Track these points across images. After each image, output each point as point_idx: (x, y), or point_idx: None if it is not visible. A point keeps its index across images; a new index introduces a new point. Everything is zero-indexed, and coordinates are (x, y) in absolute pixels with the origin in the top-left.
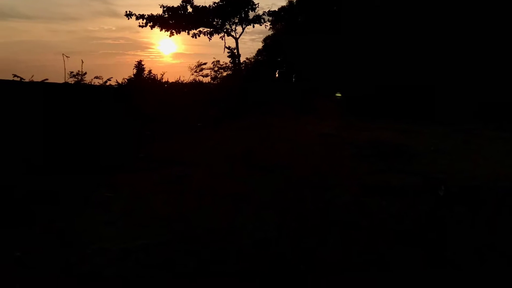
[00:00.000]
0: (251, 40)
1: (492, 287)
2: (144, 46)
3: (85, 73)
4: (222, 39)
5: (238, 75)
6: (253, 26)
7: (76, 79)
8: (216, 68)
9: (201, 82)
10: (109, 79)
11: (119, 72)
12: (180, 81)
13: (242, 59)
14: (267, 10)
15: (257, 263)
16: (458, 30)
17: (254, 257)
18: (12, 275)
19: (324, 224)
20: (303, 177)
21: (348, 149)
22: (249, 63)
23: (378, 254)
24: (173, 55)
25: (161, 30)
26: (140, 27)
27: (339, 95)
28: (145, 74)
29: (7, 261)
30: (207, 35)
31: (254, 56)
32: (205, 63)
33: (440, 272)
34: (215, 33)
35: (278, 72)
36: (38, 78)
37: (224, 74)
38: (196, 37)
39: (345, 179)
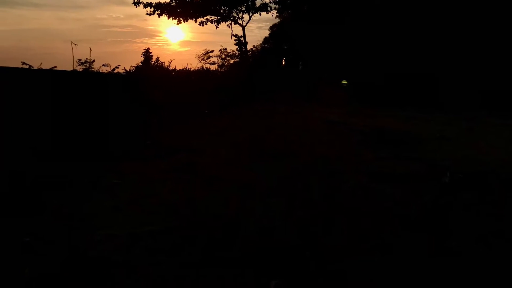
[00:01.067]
0: (258, 28)
1: (497, 274)
2: (151, 34)
3: (93, 60)
4: (229, 27)
5: (245, 62)
6: (260, 14)
7: (84, 67)
8: (223, 56)
9: (208, 70)
10: (117, 67)
11: (127, 60)
12: (187, 68)
13: (249, 47)
14: None
15: (263, 250)
16: (464, 18)
17: (260, 244)
18: (21, 260)
19: (330, 210)
20: (309, 164)
21: (354, 136)
22: (256, 51)
23: (383, 240)
24: (181, 43)
25: (168, 18)
26: (148, 15)
27: (345, 82)
28: (153, 62)
29: (17, 246)
30: (214, 23)
31: (260, 44)
32: (212, 51)
33: (445, 258)
34: (222, 21)
35: (284, 59)
36: (46, 65)
37: (231, 61)
38: (203, 25)
39: (351, 166)
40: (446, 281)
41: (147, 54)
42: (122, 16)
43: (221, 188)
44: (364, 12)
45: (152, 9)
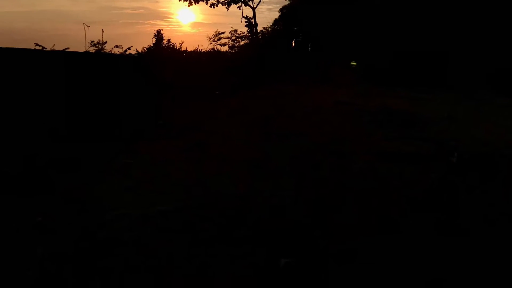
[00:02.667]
0: (268, 10)
1: (503, 253)
2: (163, 16)
3: (106, 42)
4: (239, 9)
5: (255, 44)
6: None
7: (97, 48)
8: (233, 37)
9: (219, 51)
10: (128, 48)
11: (139, 41)
12: (198, 49)
13: (259, 28)
14: None
15: (273, 229)
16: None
17: (270, 223)
18: (34, 240)
19: (339, 190)
20: (319, 144)
21: (363, 117)
22: (266, 32)
23: (392, 219)
24: (192, 24)
25: (179, 0)
26: None
27: (354, 63)
28: (164, 43)
29: (29, 226)
30: (225, 5)
31: (271, 25)
32: (223, 32)
33: (452, 238)
34: (233, 2)
35: (294, 41)
36: (59, 47)
37: (242, 43)
38: (214, 7)
39: (360, 146)
40: (455, 260)
41: (158, 35)
42: None
43: (232, 167)
44: None
45: None
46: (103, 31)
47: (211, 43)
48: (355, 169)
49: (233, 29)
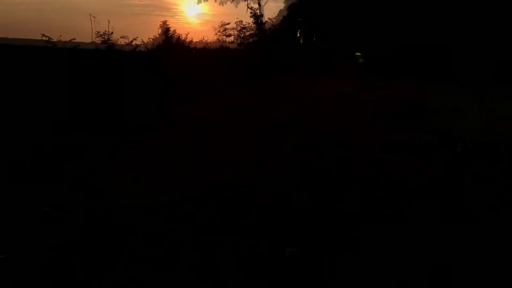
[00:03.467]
0: (273, 1)
1: (508, 240)
2: (169, 7)
3: (112, 33)
4: (245, 0)
5: (260, 35)
6: None
7: (103, 39)
8: (239, 28)
9: (224, 42)
10: (134, 39)
11: (145, 32)
12: (204, 41)
13: (264, 19)
14: None
15: (277, 218)
16: None
17: (275, 213)
18: (41, 229)
19: (344, 180)
20: (324, 135)
21: (367, 108)
22: (272, 24)
23: (396, 208)
24: (197, 15)
25: None
26: None
27: (359, 54)
28: (170, 34)
29: (37, 215)
30: (233, 2)
31: (276, 16)
32: (228, 23)
33: (457, 226)
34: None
35: (299, 33)
36: (66, 38)
37: (247, 34)
38: (222, 5)
39: (364, 137)
40: (460, 247)
41: (164, 26)
42: None
43: (237, 158)
44: None
45: None
46: (109, 22)
47: (216, 34)
48: (360, 159)
49: (239, 20)
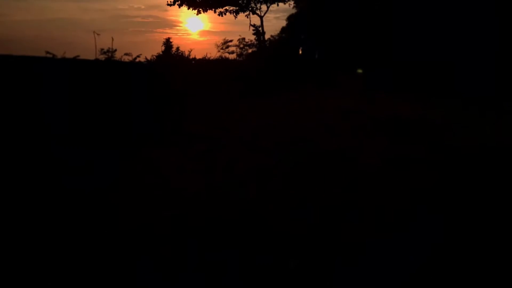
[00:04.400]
0: (275, 18)
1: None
2: (172, 24)
3: (115, 50)
4: (247, 17)
5: (262, 52)
6: (277, 5)
7: (107, 56)
8: (241, 45)
9: (227, 59)
10: (138, 56)
11: (148, 49)
12: (207, 57)
13: (266, 36)
14: None
15: (282, 230)
16: (479, 6)
17: (280, 225)
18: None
19: (347, 193)
20: (327, 150)
21: (369, 123)
22: (274, 40)
23: (400, 221)
24: (200, 32)
25: (188, 8)
26: (169, 6)
27: (360, 71)
28: (173, 51)
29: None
30: (233, 13)
31: (278, 33)
32: (231, 40)
33: (460, 238)
34: (241, 11)
35: (301, 49)
36: (70, 54)
37: (249, 51)
38: (222, 15)
39: (367, 151)
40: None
41: (167, 43)
42: (143, 7)
43: (240, 172)
44: (380, 2)
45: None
46: (113, 39)
47: (219, 51)
48: (363, 173)
49: (241, 37)
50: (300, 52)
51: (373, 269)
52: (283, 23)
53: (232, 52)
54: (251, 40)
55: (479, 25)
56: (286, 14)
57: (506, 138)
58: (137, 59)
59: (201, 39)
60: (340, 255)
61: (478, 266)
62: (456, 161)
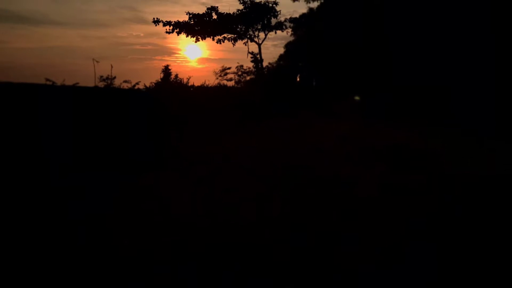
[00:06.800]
0: (273, 46)
1: None
2: (171, 52)
3: (115, 77)
4: (245, 45)
5: (260, 79)
6: (275, 32)
7: (106, 83)
8: (239, 73)
9: (225, 86)
10: (137, 83)
11: (147, 76)
12: (205, 85)
13: (264, 64)
14: (288, 17)
15: (279, 256)
16: (475, 33)
17: (276, 251)
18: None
19: (343, 220)
20: (323, 177)
21: (366, 150)
22: (272, 68)
23: (395, 249)
24: (199, 60)
25: (187, 36)
26: (167, 33)
27: (358, 98)
28: (172, 78)
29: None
30: (231, 41)
31: (276, 61)
32: (229, 68)
33: (454, 268)
34: (239, 39)
35: (299, 76)
36: (69, 82)
37: (248, 78)
38: (220, 43)
39: (364, 178)
40: None
41: (166, 70)
42: (142, 34)
43: (238, 198)
44: (376, 30)
45: (171, 27)
46: (112, 67)
47: (217, 78)
48: (359, 200)
49: (239, 64)
50: (298, 79)
51: None
52: (281, 50)
53: (231, 79)
54: (249, 68)
55: (475, 53)
56: (284, 42)
57: (504, 167)
58: (136, 86)
59: (200, 66)
60: (335, 281)
61: None
62: (455, 189)
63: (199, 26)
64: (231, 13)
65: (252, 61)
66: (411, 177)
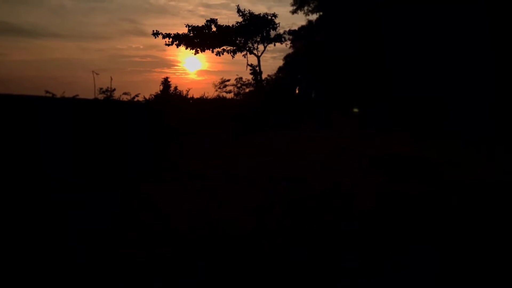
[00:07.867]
0: (272, 58)
1: None
2: (170, 64)
3: (114, 89)
4: (244, 57)
5: (259, 91)
6: (274, 45)
7: (106, 95)
8: (239, 85)
9: (224, 98)
10: (136, 95)
11: (147, 88)
12: (204, 97)
13: (263, 76)
14: (287, 29)
15: (277, 271)
16: (473, 43)
17: (275, 265)
18: None
19: (342, 232)
20: (323, 189)
21: (365, 161)
22: (271, 80)
23: (395, 262)
24: (198, 72)
25: (186, 48)
26: (167, 46)
27: (357, 110)
28: (171, 90)
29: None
30: (230, 53)
31: (275, 73)
32: (228, 80)
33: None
34: (238, 51)
35: (298, 88)
36: (69, 94)
37: (247, 90)
38: (219, 55)
39: (363, 189)
40: None
41: (165, 83)
42: (141, 47)
43: (236, 210)
44: (375, 41)
45: (171, 39)
46: (111, 79)
47: (217, 90)
48: (360, 211)
49: (239, 76)
50: (297, 91)
51: None
52: (280, 62)
53: (230, 91)
54: (248, 80)
55: (472, 64)
56: (283, 54)
57: (504, 174)
58: (136, 98)
59: (199, 78)
60: None
61: None
62: (455, 197)
63: (199, 38)
64: (230, 25)
65: (251, 73)
66: (411, 186)
